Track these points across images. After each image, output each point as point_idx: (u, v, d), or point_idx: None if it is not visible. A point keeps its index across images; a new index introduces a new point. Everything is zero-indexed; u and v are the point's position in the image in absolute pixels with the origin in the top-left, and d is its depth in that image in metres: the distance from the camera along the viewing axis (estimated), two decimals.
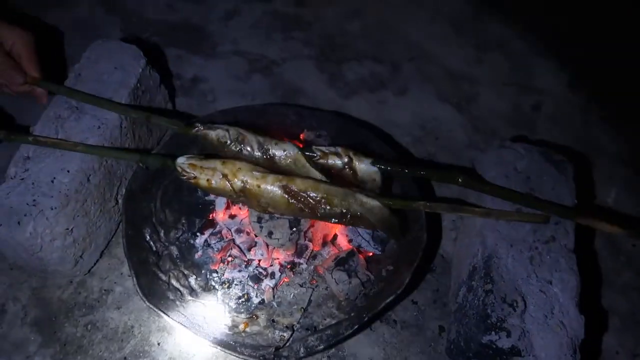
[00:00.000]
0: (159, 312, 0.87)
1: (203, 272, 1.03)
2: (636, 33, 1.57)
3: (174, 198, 1.10)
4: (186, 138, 1.01)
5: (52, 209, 0.92)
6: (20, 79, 1.00)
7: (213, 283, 1.02)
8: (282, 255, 1.04)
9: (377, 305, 0.88)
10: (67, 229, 0.96)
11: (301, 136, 1.13)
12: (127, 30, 1.61)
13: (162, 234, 1.05)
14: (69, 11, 1.63)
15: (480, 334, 0.84)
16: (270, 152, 0.91)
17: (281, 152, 0.91)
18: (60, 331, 1.01)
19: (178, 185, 1.09)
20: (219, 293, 1.00)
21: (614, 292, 1.14)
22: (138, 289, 0.89)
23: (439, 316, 1.06)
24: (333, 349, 1.00)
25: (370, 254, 1.06)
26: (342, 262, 1.00)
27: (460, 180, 0.87)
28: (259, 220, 1.01)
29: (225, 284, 1.02)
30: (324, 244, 1.07)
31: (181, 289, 0.99)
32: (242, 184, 0.86)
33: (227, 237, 1.07)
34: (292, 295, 1.01)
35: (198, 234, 1.08)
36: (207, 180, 0.88)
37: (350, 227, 1.06)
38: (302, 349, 0.87)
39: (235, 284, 1.01)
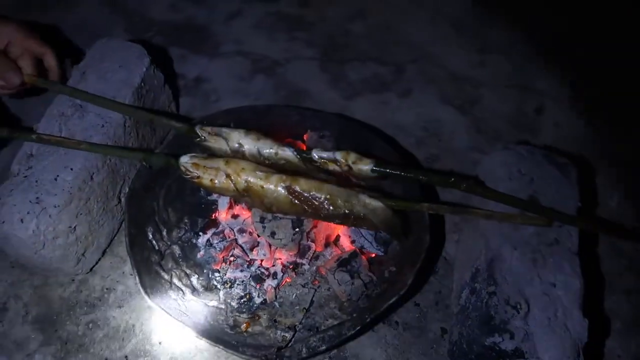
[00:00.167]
0: (161, 310, 0.87)
1: (205, 271, 1.03)
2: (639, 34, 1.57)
3: (176, 197, 1.10)
4: (189, 137, 1.00)
5: (55, 206, 0.92)
6: (17, 79, 0.95)
7: (215, 282, 1.02)
8: (284, 256, 1.04)
9: (379, 306, 0.88)
10: (70, 227, 0.96)
11: (305, 136, 1.13)
12: (131, 30, 1.61)
13: (164, 233, 1.05)
14: (70, 11, 1.63)
15: (483, 336, 0.83)
16: (271, 159, 0.90)
17: (282, 159, 0.89)
18: (61, 329, 1.01)
19: (181, 184, 1.09)
20: (221, 293, 1.00)
21: (615, 295, 1.14)
22: (140, 287, 0.89)
23: (441, 318, 1.06)
24: (335, 350, 1.00)
25: (373, 255, 1.05)
26: (345, 263, 1.00)
27: (463, 186, 0.86)
28: (262, 220, 1.01)
29: (228, 283, 1.01)
30: (327, 244, 1.06)
31: (183, 288, 0.99)
32: (246, 184, 0.86)
33: (229, 237, 1.07)
34: (294, 296, 1.01)
35: (200, 233, 1.08)
36: (211, 180, 0.88)
37: (353, 228, 1.06)
38: (304, 349, 0.87)
39: (238, 284, 1.01)
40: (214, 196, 1.12)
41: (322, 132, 1.12)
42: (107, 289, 1.07)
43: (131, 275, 1.06)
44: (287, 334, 0.94)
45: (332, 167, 0.88)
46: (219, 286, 1.01)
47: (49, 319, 1.02)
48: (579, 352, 0.80)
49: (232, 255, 1.04)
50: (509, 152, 1.03)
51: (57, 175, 0.95)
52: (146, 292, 0.89)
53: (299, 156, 0.88)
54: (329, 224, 1.03)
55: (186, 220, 1.09)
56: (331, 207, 0.85)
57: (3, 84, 0.96)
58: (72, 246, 0.98)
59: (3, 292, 1.05)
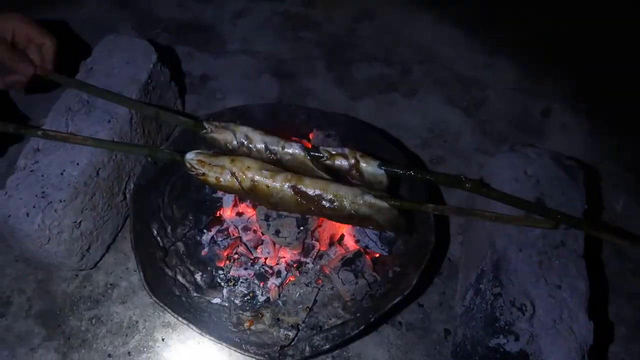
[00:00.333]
0: (165, 307, 0.87)
1: (209, 269, 1.03)
2: None
3: (181, 194, 1.10)
4: (195, 134, 1.00)
5: (60, 201, 0.92)
6: (30, 70, 0.93)
7: (219, 280, 1.02)
8: (288, 254, 1.04)
9: (383, 306, 0.88)
10: (75, 222, 0.96)
11: (310, 135, 1.13)
12: (138, 27, 1.62)
13: (169, 230, 1.05)
14: (78, 9, 1.64)
15: (487, 337, 0.83)
16: (278, 154, 0.90)
17: (288, 154, 0.90)
18: (64, 324, 1.01)
19: (186, 181, 1.09)
20: (225, 290, 1.00)
21: (620, 299, 1.13)
22: (144, 284, 0.89)
23: (445, 319, 1.06)
24: (338, 350, 1.00)
25: (377, 255, 1.05)
26: (349, 262, 1.00)
27: (468, 185, 0.86)
28: (266, 218, 1.01)
29: (231, 281, 1.01)
30: (331, 243, 1.06)
31: (187, 285, 0.99)
32: (251, 183, 0.86)
33: (233, 235, 1.07)
34: (297, 295, 1.00)
35: (205, 230, 1.08)
36: (216, 177, 0.87)
37: (358, 227, 1.05)
38: (307, 348, 0.87)
39: (241, 282, 1.01)
40: (219, 193, 1.12)
41: (328, 131, 1.12)
42: (110, 284, 1.07)
43: (135, 271, 1.06)
44: (290, 333, 0.94)
45: (339, 162, 0.88)
46: (222, 284, 1.01)
47: (53, 314, 1.02)
48: (584, 355, 0.80)
49: (236, 253, 1.04)
50: (515, 153, 1.03)
51: (64, 170, 0.95)
52: (150, 289, 0.89)
53: (305, 151, 0.88)
54: (334, 223, 1.03)
55: (191, 217, 1.09)
56: (337, 207, 0.84)
57: (20, 78, 0.94)
58: (76, 241, 0.99)
59: (7, 286, 1.05)
